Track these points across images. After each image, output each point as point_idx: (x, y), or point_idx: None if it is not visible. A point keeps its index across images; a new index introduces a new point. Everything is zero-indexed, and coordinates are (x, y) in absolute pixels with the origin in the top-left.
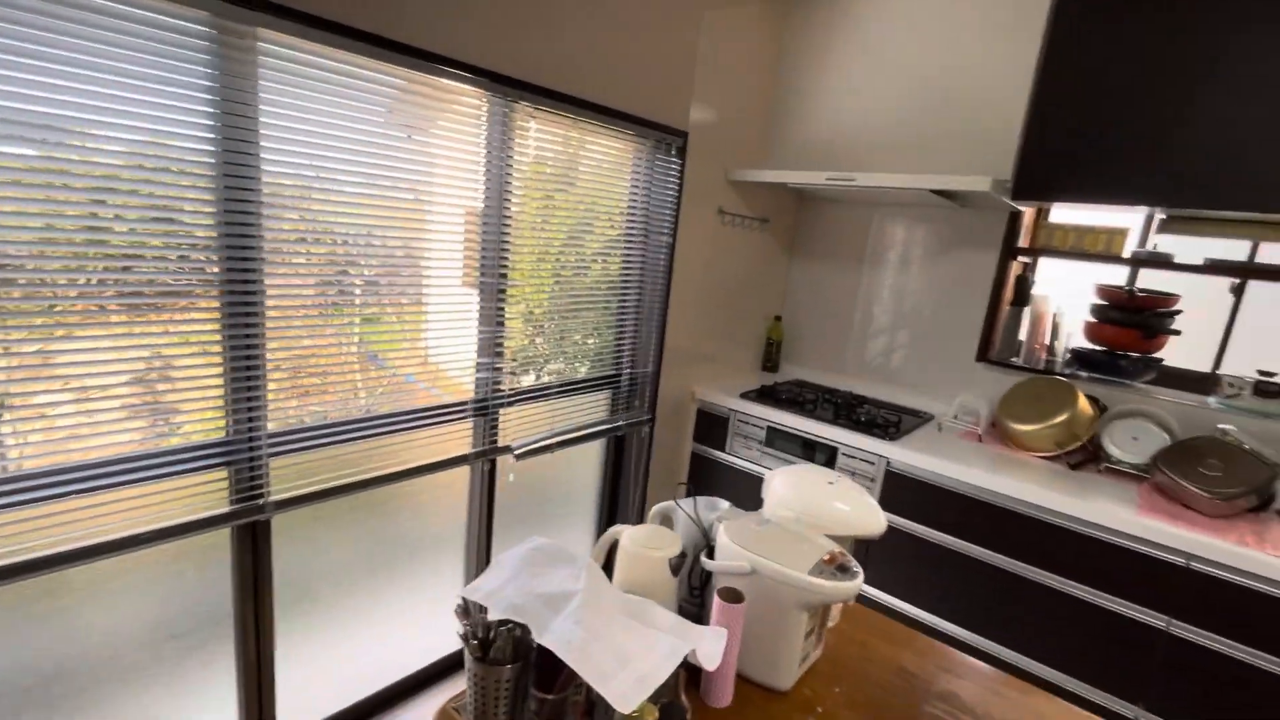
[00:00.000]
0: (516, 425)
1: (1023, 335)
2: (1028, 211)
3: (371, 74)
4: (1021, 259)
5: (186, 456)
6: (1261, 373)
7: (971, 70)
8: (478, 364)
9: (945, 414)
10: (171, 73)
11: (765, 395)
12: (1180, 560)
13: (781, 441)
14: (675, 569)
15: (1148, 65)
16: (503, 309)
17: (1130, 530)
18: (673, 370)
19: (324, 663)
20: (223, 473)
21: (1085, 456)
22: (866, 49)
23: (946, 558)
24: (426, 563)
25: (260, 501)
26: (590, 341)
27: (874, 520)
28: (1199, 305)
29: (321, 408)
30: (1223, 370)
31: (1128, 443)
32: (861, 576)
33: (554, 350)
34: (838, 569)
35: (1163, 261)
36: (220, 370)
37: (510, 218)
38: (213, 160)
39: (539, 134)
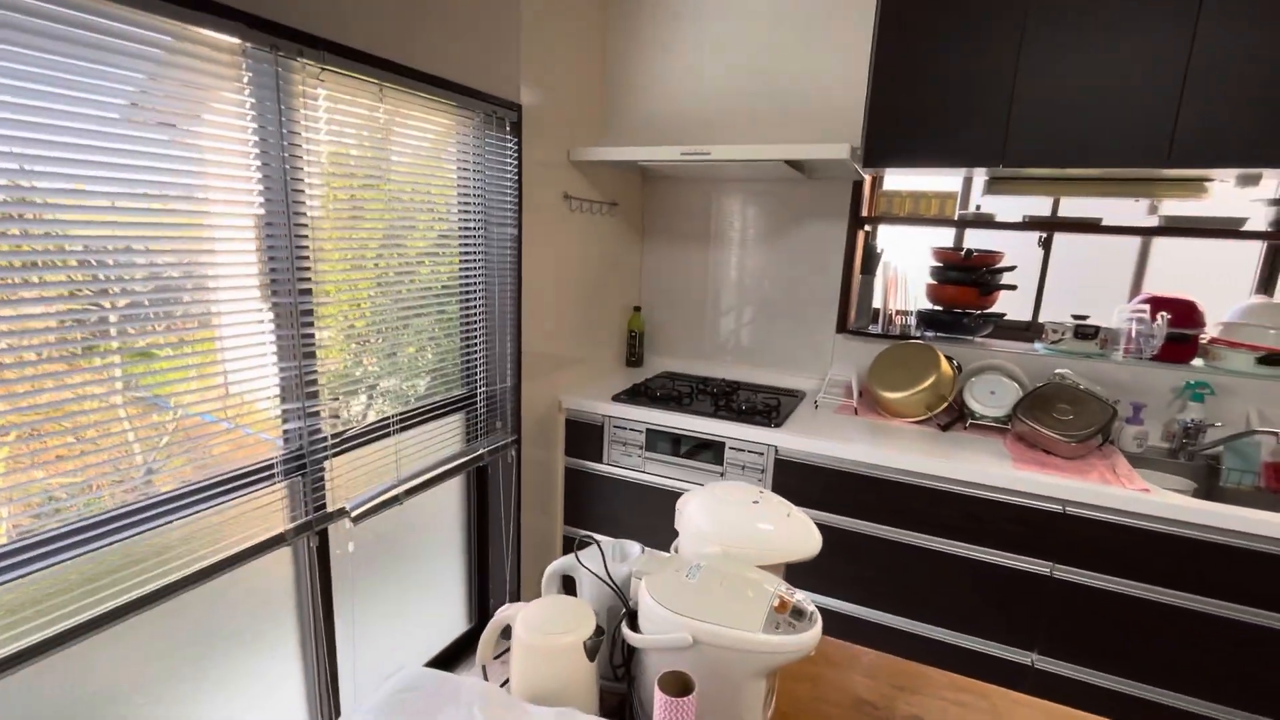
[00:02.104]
0: (350, 478)
1: (877, 302)
2: (868, 180)
3: (100, 35)
4: (867, 227)
5: None
6: (1076, 317)
7: (808, 45)
8: (284, 412)
9: (817, 390)
10: None
11: (638, 395)
12: (1056, 507)
13: (664, 444)
14: (592, 652)
15: (970, 38)
16: (310, 336)
17: (1009, 485)
18: (535, 381)
19: None
20: None
21: (953, 416)
22: (700, 27)
23: (841, 539)
24: (255, 663)
25: None
26: (428, 356)
27: (810, 539)
28: (1016, 260)
29: (75, 478)
30: (1043, 318)
31: (987, 397)
32: (819, 619)
33: (386, 371)
34: (792, 615)
35: (987, 221)
36: None
37: (305, 221)
38: None
39: (333, 107)
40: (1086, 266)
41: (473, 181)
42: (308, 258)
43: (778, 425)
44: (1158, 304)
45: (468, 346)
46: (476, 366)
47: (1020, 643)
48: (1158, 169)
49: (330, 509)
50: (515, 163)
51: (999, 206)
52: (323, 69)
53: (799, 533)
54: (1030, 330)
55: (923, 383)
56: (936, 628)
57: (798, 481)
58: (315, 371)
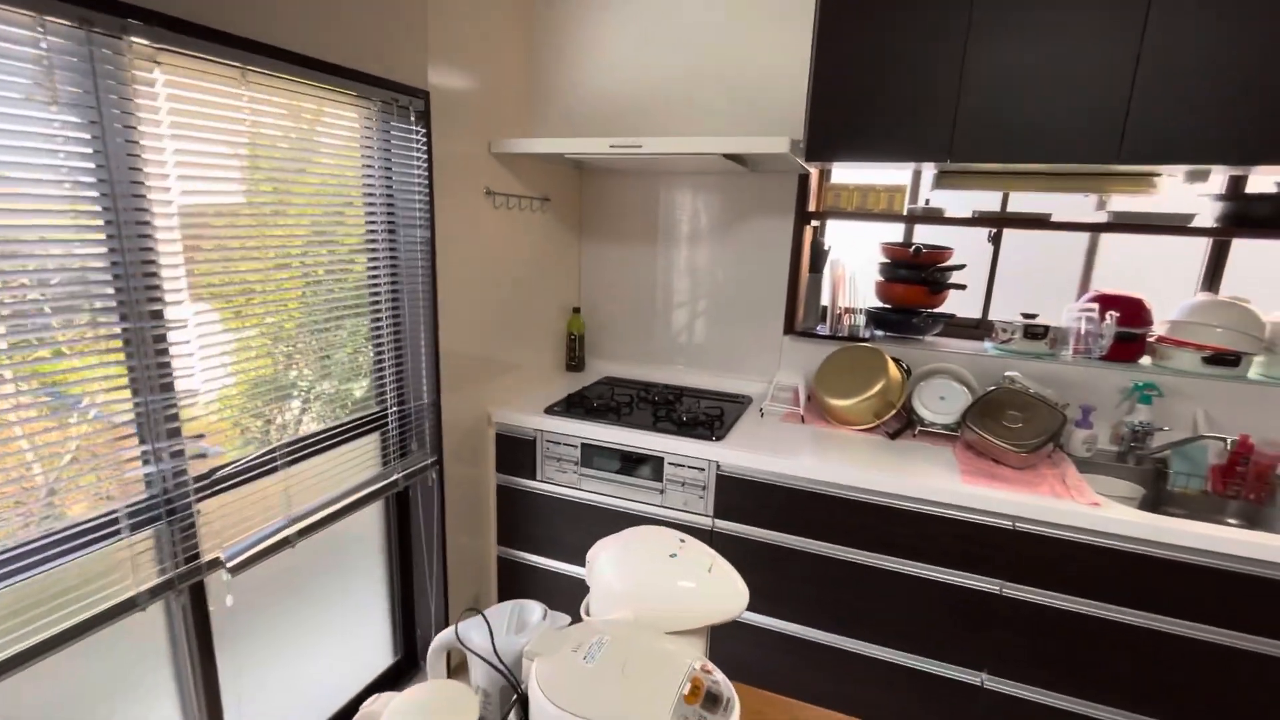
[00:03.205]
0: (226, 520)
1: (825, 301)
2: (814, 174)
3: None
4: (814, 223)
5: None
6: (1025, 316)
7: (750, 30)
8: (142, 454)
9: (763, 395)
10: None
11: (574, 406)
12: (1006, 523)
13: (600, 459)
14: None
15: (916, 25)
16: (167, 366)
17: (957, 501)
18: (460, 392)
19: None
20: None
21: (902, 423)
22: (635, 8)
23: (786, 557)
24: None
25: None
26: (326, 379)
27: (734, 598)
28: (965, 256)
29: None
30: (992, 316)
31: (936, 403)
32: (737, 707)
33: (281, 395)
34: (705, 704)
35: (936, 216)
36: None
37: (150, 233)
38: None
39: (180, 95)
40: (1034, 263)
41: (377, 178)
42: (157, 274)
43: (720, 438)
44: (1106, 302)
45: (376, 360)
46: (387, 381)
47: (970, 663)
48: (1108, 164)
49: (205, 559)
50: (425, 157)
51: (948, 201)
52: (158, 49)
53: (721, 591)
54: (980, 328)
55: (870, 389)
56: (885, 648)
57: (740, 499)
58: (175, 405)
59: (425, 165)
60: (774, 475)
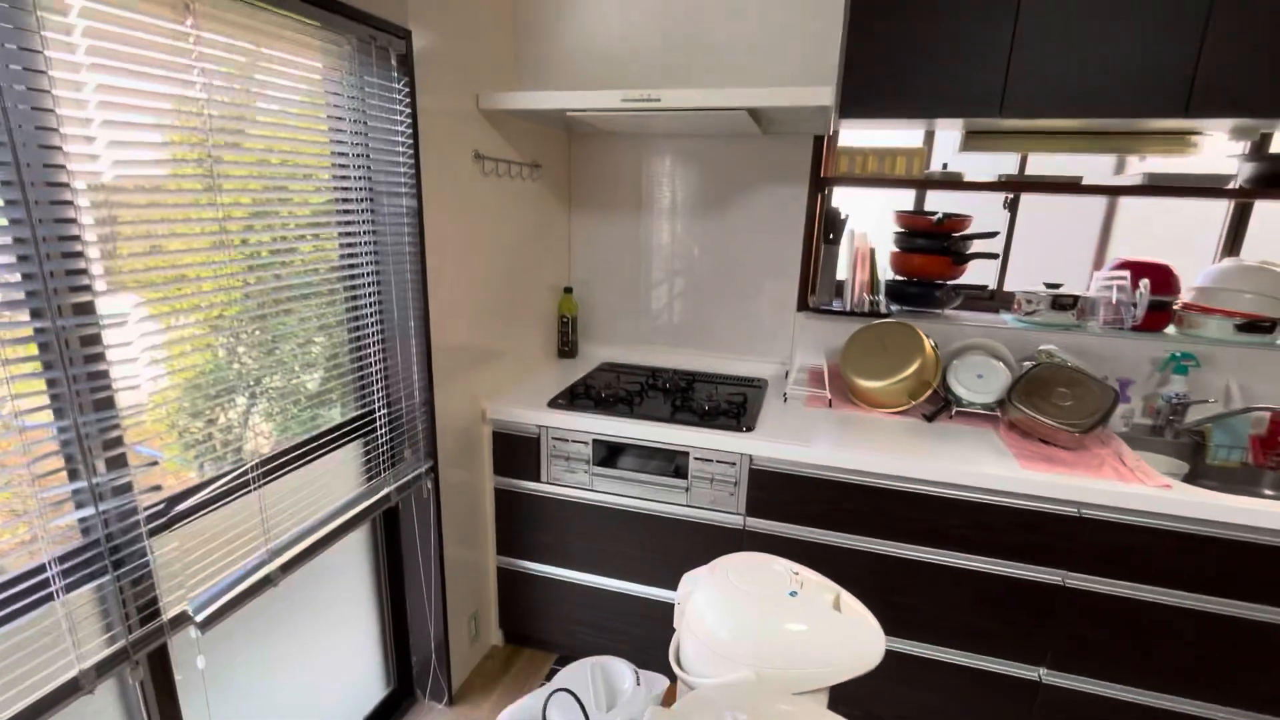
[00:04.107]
0: (191, 559)
1: (842, 275)
2: (828, 136)
3: None
4: (824, 190)
5: None
6: (1049, 285)
7: None
8: (75, 495)
9: (778, 376)
10: None
11: (579, 398)
12: (1071, 510)
13: (616, 456)
14: None
15: None
16: (104, 374)
17: (1018, 488)
18: (450, 386)
19: None
20: None
21: (937, 405)
22: None
23: (826, 556)
24: None
25: None
26: (308, 372)
27: (873, 644)
28: (979, 224)
29: None
30: (1006, 286)
31: (974, 381)
32: None
33: (235, 417)
34: None
35: (957, 182)
36: None
37: (71, 199)
38: None
39: (100, 29)
40: (1047, 231)
41: (350, 136)
42: (82, 254)
43: (749, 429)
44: (1134, 269)
45: (359, 356)
46: (374, 381)
47: (1028, 658)
48: (1168, 119)
49: (168, 615)
50: (409, 111)
51: (966, 165)
52: None
53: (858, 636)
54: (994, 300)
55: (906, 369)
56: (935, 647)
57: (775, 494)
58: (118, 425)
59: (409, 122)
60: (814, 468)
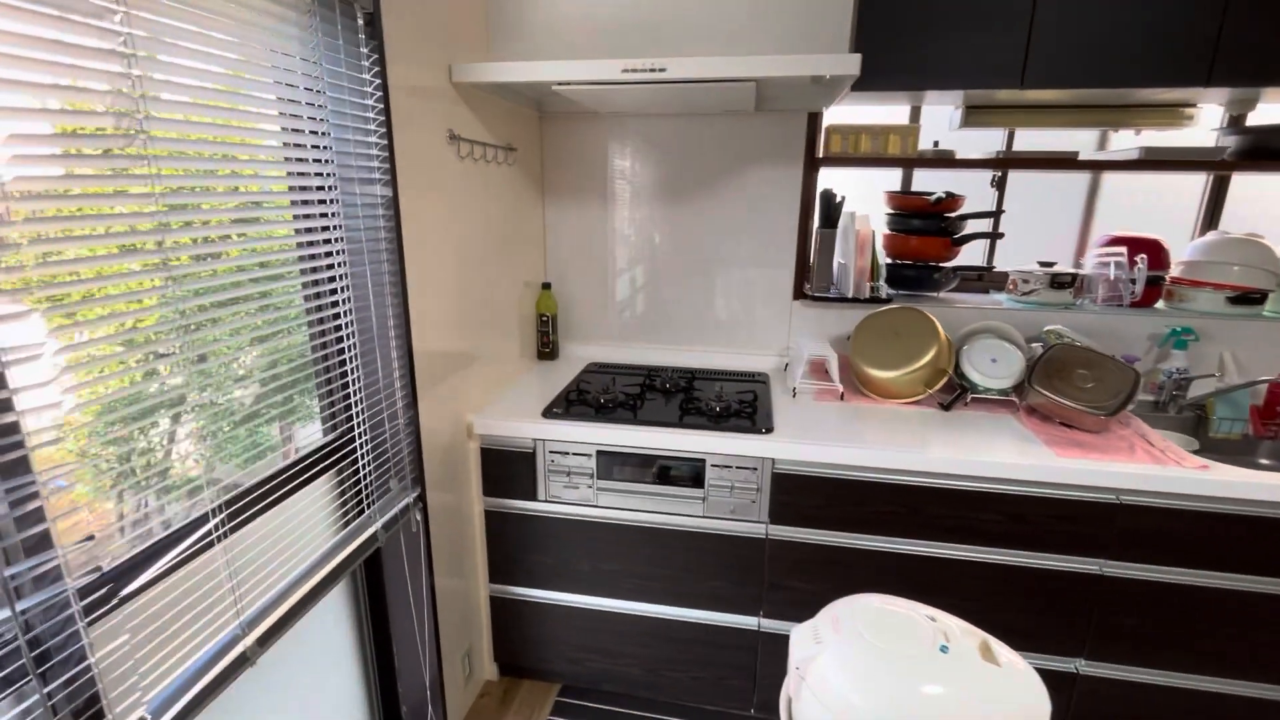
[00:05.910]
0: (142, 643)
1: (840, 259)
2: (825, 112)
3: None
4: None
5: None
6: (1043, 264)
7: None
8: None
9: (775, 368)
10: None
11: (575, 404)
12: (1110, 497)
13: (623, 468)
14: None
15: None
16: (13, 428)
17: (1054, 477)
18: (431, 398)
19: None
20: None
21: (953, 393)
22: None
23: (853, 560)
24: None
25: None
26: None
27: (1039, 702)
28: (970, 204)
29: None
30: (997, 265)
31: (988, 366)
32: None
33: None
34: None
35: (951, 160)
36: None
37: None
38: None
39: None
40: (1031, 207)
41: (305, 114)
42: None
43: (768, 430)
44: (1125, 245)
45: (326, 371)
46: (352, 400)
47: (1066, 650)
48: (1196, 88)
49: (112, 710)
50: (379, 84)
51: (954, 143)
52: None
53: (1021, 696)
54: (984, 280)
55: (922, 357)
56: None
57: (799, 499)
58: (37, 494)
59: (380, 97)
60: (841, 468)
